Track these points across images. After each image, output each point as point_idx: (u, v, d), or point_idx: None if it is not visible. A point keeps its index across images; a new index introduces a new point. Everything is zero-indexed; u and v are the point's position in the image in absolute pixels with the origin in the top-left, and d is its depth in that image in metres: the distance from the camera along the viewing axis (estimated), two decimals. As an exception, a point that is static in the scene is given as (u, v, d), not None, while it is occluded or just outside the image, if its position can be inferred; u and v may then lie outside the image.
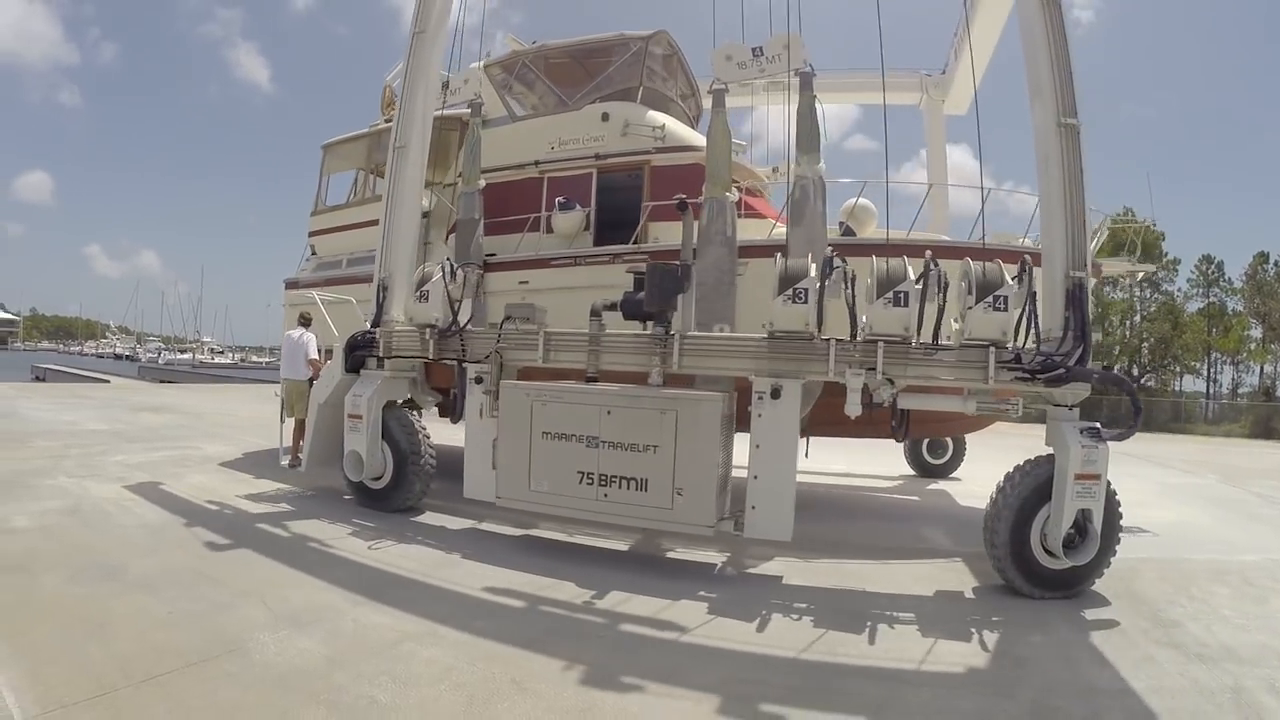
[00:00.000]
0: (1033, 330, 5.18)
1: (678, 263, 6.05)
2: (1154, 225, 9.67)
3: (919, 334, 5.14)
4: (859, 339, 5.26)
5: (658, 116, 8.61)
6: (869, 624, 4.63)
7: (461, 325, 7.01)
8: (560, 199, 8.65)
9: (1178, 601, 5.22)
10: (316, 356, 9.06)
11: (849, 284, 5.23)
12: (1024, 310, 5.13)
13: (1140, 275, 9.75)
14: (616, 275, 7.22)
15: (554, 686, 3.55)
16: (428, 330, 7.16)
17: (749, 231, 7.50)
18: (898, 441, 6.26)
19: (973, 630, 4.55)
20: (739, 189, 7.41)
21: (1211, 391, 33.90)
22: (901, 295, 4.99)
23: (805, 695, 3.62)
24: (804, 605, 4.97)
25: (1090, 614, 4.94)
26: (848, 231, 7.91)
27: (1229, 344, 32.78)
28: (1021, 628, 4.65)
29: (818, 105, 6.82)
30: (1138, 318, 32.87)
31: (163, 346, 74.05)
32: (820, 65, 8.26)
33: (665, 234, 7.85)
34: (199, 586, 4.67)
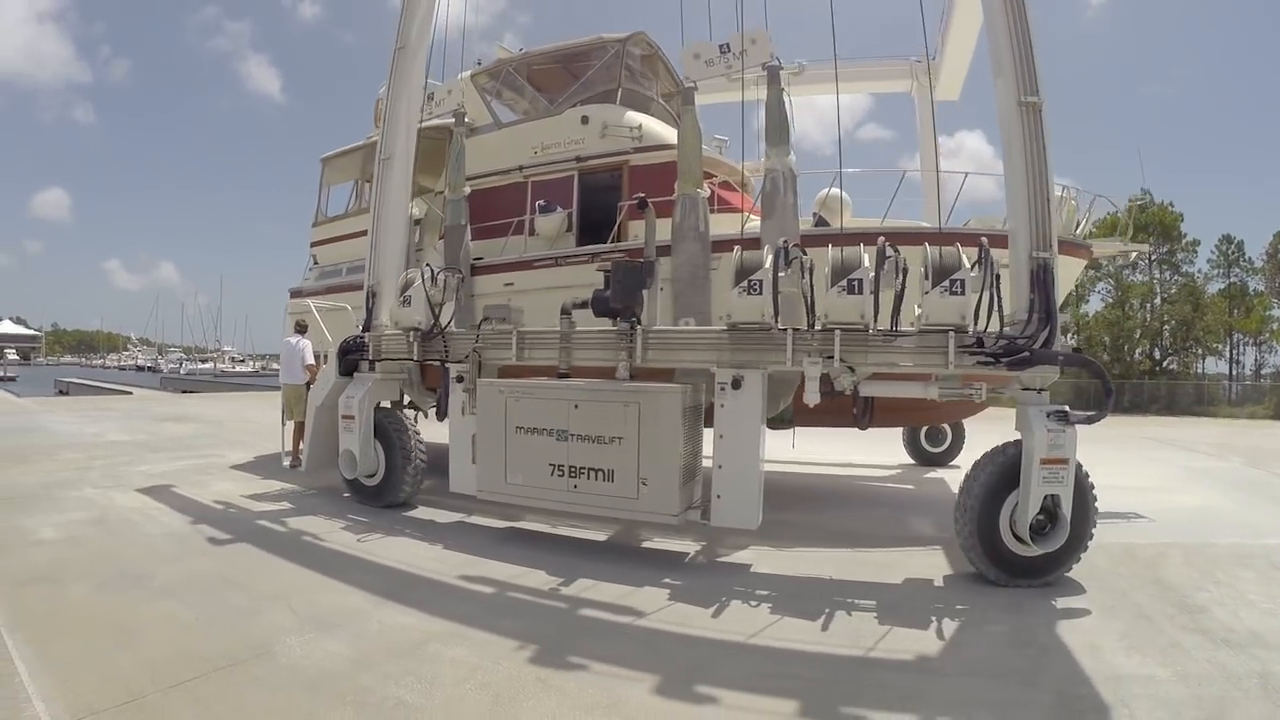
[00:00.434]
0: (997, 313, 5.11)
1: (640, 260, 6.15)
2: (1139, 202, 9.38)
3: (876, 320, 5.14)
4: (816, 328, 5.29)
5: (635, 117, 8.74)
6: (826, 611, 4.66)
7: (443, 327, 7.23)
8: (540, 202, 8.82)
9: (1204, 587, 5.14)
10: (313, 362, 9.38)
11: (806, 274, 5.26)
12: (988, 293, 5.06)
13: (1134, 256, 9.52)
14: (596, 274, 7.36)
15: (579, 683, 3.56)
16: (412, 333, 7.40)
17: (723, 226, 7.59)
18: (861, 429, 6.27)
19: (931, 618, 4.54)
20: (711, 185, 7.50)
21: (1234, 373, 33.05)
22: (855, 282, 4.99)
23: (748, 680, 3.68)
24: (765, 592, 5.03)
25: (1061, 603, 4.85)
26: (821, 222, 7.94)
27: (1251, 325, 31.87)
28: (984, 615, 4.64)
29: (786, 98, 6.87)
30: (1158, 300, 32.17)
31: (184, 357, 74.42)
32: (812, 56, 8.37)
33: (644, 232, 7.97)
34: (224, 592, 4.74)
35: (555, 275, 8.32)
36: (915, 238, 5.52)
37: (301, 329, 9.80)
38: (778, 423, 7.65)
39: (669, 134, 8.69)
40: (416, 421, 8.04)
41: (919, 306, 5.35)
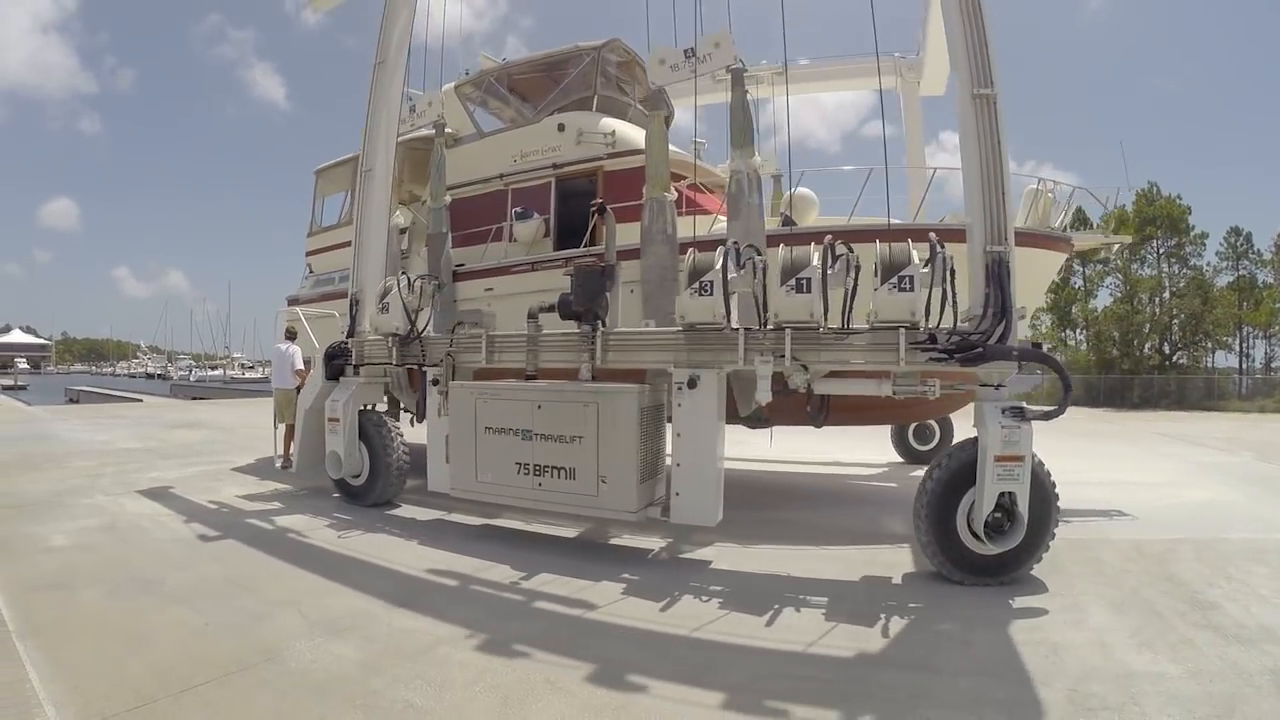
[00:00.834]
0: (952, 309, 5.02)
1: (601, 264, 6.28)
2: (1115, 204, 9.25)
3: (826, 319, 5.19)
4: (769, 327, 5.36)
5: (609, 123, 8.88)
6: (775, 607, 4.69)
7: (419, 332, 7.44)
8: (517, 209, 8.99)
9: (1215, 582, 5.11)
10: (302, 367, 9.66)
11: (759, 274, 5.35)
12: (942, 289, 5.00)
13: (1115, 248, 9.43)
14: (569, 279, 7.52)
15: (588, 686, 3.59)
16: (391, 338, 7.61)
17: (683, 228, 7.71)
18: (816, 427, 6.34)
19: (880, 615, 4.57)
20: (679, 188, 7.62)
21: (1244, 367, 32.56)
22: (804, 281, 5.05)
23: (683, 671, 3.78)
24: (719, 588, 5.11)
25: (1020, 601, 4.80)
26: (788, 221, 8.02)
27: (1260, 318, 31.40)
28: (935, 613, 4.65)
29: (749, 100, 6.97)
30: (1167, 294, 31.79)
31: (194, 364, 74.14)
32: (802, 54, 8.44)
33: (620, 235, 8.09)
34: (235, 597, 4.76)
35: (532, 280, 8.48)
36: (869, 235, 5.55)
37: (291, 335, 10.16)
38: (753, 421, 7.76)
39: (643, 139, 8.82)
40: (411, 424, 8.29)
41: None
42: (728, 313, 5.38)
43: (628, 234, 7.55)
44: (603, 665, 3.83)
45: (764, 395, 5.29)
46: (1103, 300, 33.82)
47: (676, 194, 7.39)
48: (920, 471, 10.29)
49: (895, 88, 12.72)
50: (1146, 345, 31.76)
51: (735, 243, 5.59)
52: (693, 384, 5.53)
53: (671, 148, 10.53)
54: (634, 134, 8.94)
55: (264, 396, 33.42)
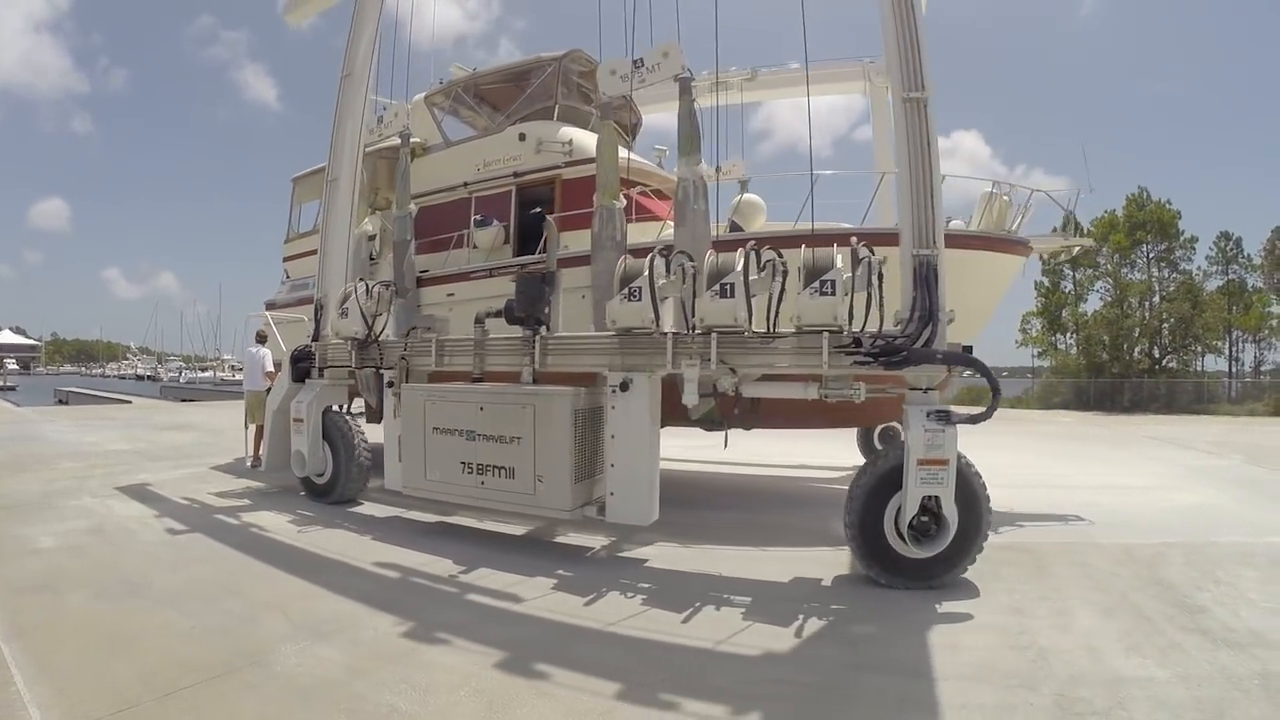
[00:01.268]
0: (888, 313, 5.09)
1: (543, 270, 6.45)
2: (1072, 211, 9.30)
3: (751, 323, 5.29)
4: (695, 331, 5.49)
5: (567, 132, 9.06)
6: (695, 605, 4.79)
7: (376, 336, 7.64)
8: (477, 216, 9.17)
9: (1204, 586, 5.08)
10: (271, 369, 9.89)
11: (688, 279, 5.49)
12: (867, 293, 5.07)
13: (1076, 250, 9.47)
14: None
15: (575, 690, 3.57)
16: (350, 342, 7.81)
17: (647, 234, 7.87)
18: (745, 429, 6.46)
19: (799, 616, 4.61)
20: (629, 194, 7.78)
21: (1234, 370, 32.61)
22: (728, 287, 5.17)
23: (585, 663, 3.90)
24: (647, 585, 5.22)
25: (945, 606, 4.76)
26: (735, 227, 8.18)
27: (1250, 322, 31.44)
28: (854, 614, 4.71)
29: (696, 109, 7.12)
30: (1157, 298, 31.87)
31: (184, 366, 72.65)
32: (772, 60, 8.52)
33: (575, 241, 8.28)
34: (221, 600, 4.75)
35: (490, 286, 8.66)
36: (794, 240, 5.68)
37: (262, 339, 10.39)
38: (707, 423, 7.91)
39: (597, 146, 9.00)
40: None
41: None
42: (657, 317, 5.52)
43: (586, 240, 7.71)
44: (512, 652, 3.98)
45: (690, 398, 5.43)
46: (1093, 304, 33.92)
47: (626, 201, 7.55)
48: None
49: (864, 92, 12.79)
50: (1136, 349, 31.82)
51: (664, 249, 5.73)
52: (625, 387, 5.68)
53: (633, 155, 10.72)
54: (591, 142, 9.10)
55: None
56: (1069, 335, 35.08)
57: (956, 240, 8.04)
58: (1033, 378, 38.20)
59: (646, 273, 5.42)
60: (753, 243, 5.35)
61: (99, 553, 5.78)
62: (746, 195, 8.48)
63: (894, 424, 11.16)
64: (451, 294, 9.03)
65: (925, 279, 5.11)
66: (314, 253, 11.75)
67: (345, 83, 8.63)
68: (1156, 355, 31.54)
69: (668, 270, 5.53)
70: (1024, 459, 12.50)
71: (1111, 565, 5.64)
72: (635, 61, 7.03)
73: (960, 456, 5.07)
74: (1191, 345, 31.30)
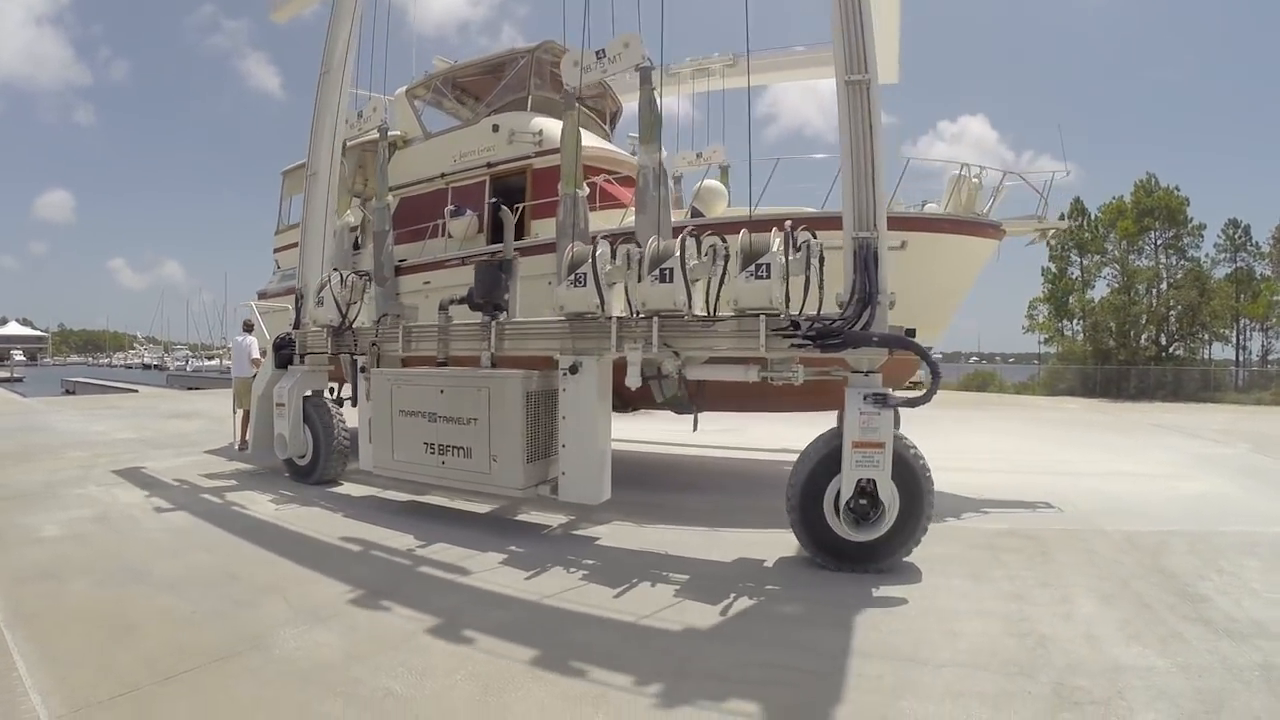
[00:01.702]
0: (829, 296, 5.11)
1: (500, 258, 6.63)
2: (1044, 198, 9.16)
3: (691, 307, 5.40)
4: (638, 316, 5.63)
5: (538, 123, 9.19)
6: (633, 581, 4.93)
7: (350, 323, 7.89)
8: (450, 206, 9.35)
9: (1207, 575, 5.02)
10: (258, 356, 10.21)
11: (632, 265, 5.63)
12: (806, 276, 5.09)
13: (1052, 232, 9.31)
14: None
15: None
16: (327, 329, 8.07)
17: (604, 222, 8.01)
18: (694, 413, 6.59)
19: (730, 594, 4.68)
20: (593, 181, 7.93)
21: (1241, 359, 32.10)
22: (667, 272, 5.30)
23: (509, 628, 4.13)
24: (592, 562, 5.41)
25: (881, 590, 4.75)
26: (695, 213, 8.28)
27: (1258, 310, 30.82)
28: (785, 594, 4.76)
29: (656, 98, 7.20)
30: (1164, 285, 31.48)
31: (190, 354, 71.54)
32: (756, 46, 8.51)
33: (546, 230, 8.43)
34: (222, 585, 4.78)
35: (463, 274, 8.81)
36: (734, 226, 5.75)
37: (249, 328, 10.69)
38: (673, 406, 8.07)
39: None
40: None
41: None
42: (602, 302, 5.66)
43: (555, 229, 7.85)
44: (446, 619, 4.23)
45: (634, 381, 5.58)
46: (1100, 291, 33.56)
47: (589, 189, 7.68)
48: None
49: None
50: (1143, 336, 31.45)
51: (612, 236, 5.87)
52: (574, 370, 5.85)
53: (607, 144, 10.84)
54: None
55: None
56: (1076, 321, 34.72)
57: (924, 224, 8.06)
58: (1039, 364, 37.95)
59: (590, 259, 5.55)
60: (688, 229, 5.42)
61: (102, 540, 5.83)
62: (707, 182, 8.59)
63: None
64: (428, 282, 9.25)
65: (865, 261, 5.10)
66: (301, 244, 12.15)
67: (323, 79, 8.85)
68: (1163, 342, 31.14)
69: (613, 256, 5.66)
70: (1028, 445, 12.49)
71: (1114, 553, 5.59)
72: (598, 52, 7.11)
73: (902, 439, 5.12)
74: (1199, 333, 30.88)
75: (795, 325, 5.19)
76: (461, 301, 6.83)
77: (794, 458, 8.82)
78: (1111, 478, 9.02)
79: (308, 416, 8.38)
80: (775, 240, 5.14)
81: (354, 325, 7.94)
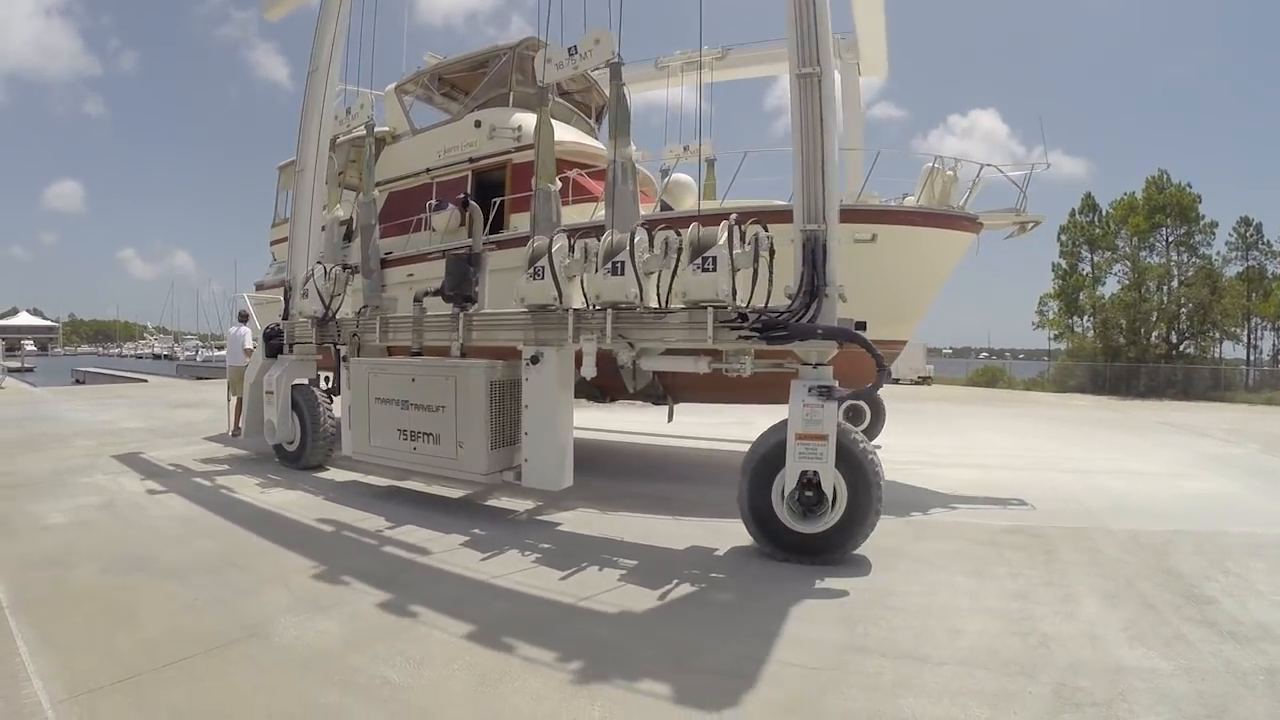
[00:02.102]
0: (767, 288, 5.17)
1: (469, 252, 6.83)
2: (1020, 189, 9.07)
3: (643, 299, 5.54)
4: (594, 308, 5.80)
5: (518, 118, 9.38)
6: (582, 565, 5.05)
7: (333, 314, 8.14)
8: (431, 201, 9.57)
9: (1213, 576, 4.95)
10: (251, 346, 10.53)
11: (589, 258, 5.78)
12: (754, 269, 5.18)
13: (1030, 226, 9.21)
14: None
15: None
16: (311, 320, 8.33)
17: (578, 215, 8.18)
18: (669, 404, 6.74)
19: (672, 580, 4.80)
20: (565, 176, 8.11)
21: (1252, 358, 31.55)
22: (619, 264, 5.46)
23: (446, 604, 4.33)
24: (548, 546, 5.57)
25: (824, 583, 4.75)
26: (665, 207, 8.41)
27: (1269, 309, 30.21)
28: (726, 583, 4.81)
29: (626, 93, 7.34)
30: (1175, 283, 31.10)
31: (200, 344, 71.46)
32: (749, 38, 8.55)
33: (524, 223, 8.60)
34: (225, 573, 4.82)
35: (444, 267, 9.06)
36: (684, 221, 5.86)
37: (243, 318, 11.06)
38: (647, 396, 8.25)
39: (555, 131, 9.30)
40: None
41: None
42: (559, 294, 5.83)
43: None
44: (397, 594, 4.47)
45: (589, 371, 5.75)
46: (1110, 288, 33.23)
47: (564, 182, 7.85)
48: None
49: (835, 69, 12.73)
50: (1154, 334, 31.09)
51: (570, 231, 6.02)
52: (535, 360, 6.04)
53: (585, 139, 10.96)
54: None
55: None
56: (1086, 318, 34.42)
57: (895, 216, 8.12)
58: (1049, 360, 37.64)
59: (548, 252, 5.72)
60: (640, 224, 5.57)
61: (107, 528, 5.89)
62: (675, 175, 8.73)
63: (859, 402, 11.37)
64: (412, 274, 9.49)
65: (813, 254, 5.13)
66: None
67: (311, 78, 9.12)
68: (1174, 340, 30.79)
69: (570, 250, 5.83)
70: (1036, 443, 12.43)
71: (1119, 552, 5.54)
72: (570, 49, 7.26)
73: (849, 433, 5.12)
74: (1210, 331, 30.44)
75: (743, 317, 5.26)
76: (435, 294, 7.05)
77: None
78: (1119, 476, 8.97)
79: (295, 404, 8.69)
80: (723, 234, 5.22)
81: (337, 316, 8.19)
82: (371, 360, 7.35)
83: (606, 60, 7.17)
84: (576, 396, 11.60)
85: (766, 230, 5.34)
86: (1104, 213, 33.99)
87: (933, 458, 10.29)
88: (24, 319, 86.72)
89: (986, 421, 16.04)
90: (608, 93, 7.38)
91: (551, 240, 5.81)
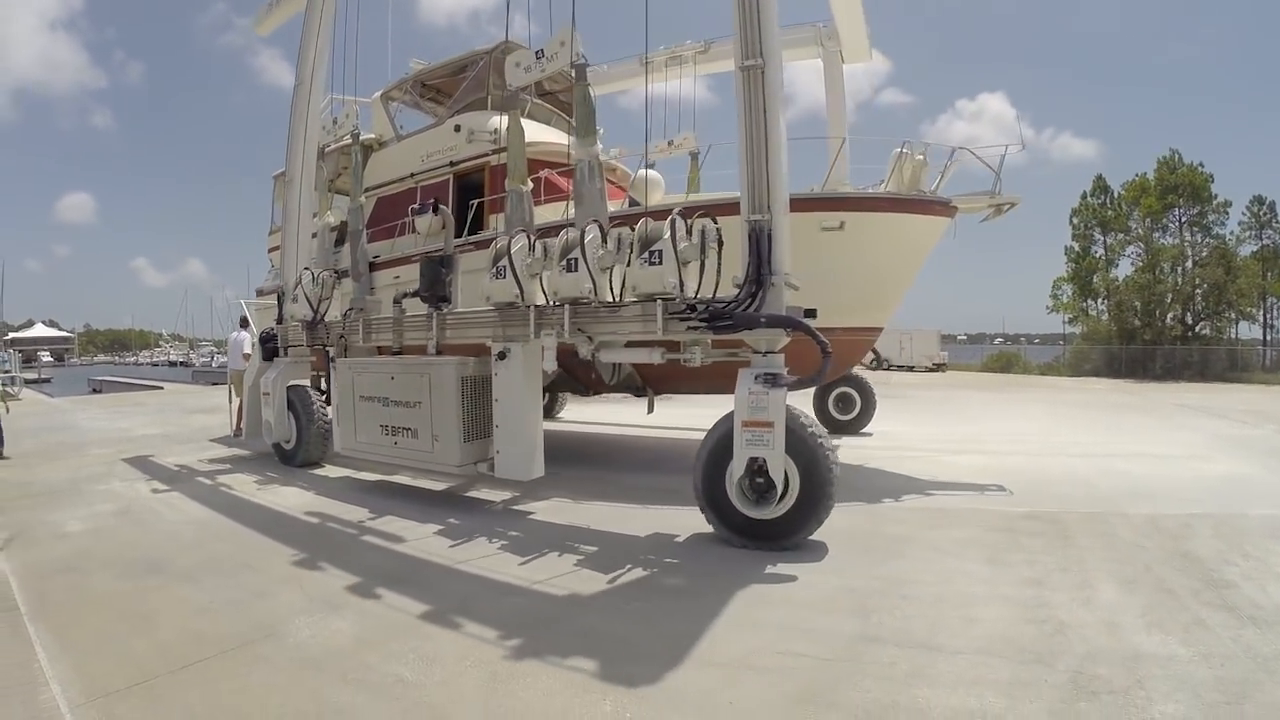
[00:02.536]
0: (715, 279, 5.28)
1: (440, 254, 7.09)
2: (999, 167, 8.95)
3: (597, 293, 5.69)
4: (553, 304, 6.01)
5: (495, 121, 9.59)
6: (541, 551, 5.24)
7: (321, 317, 8.46)
8: (413, 205, 9.84)
9: (1232, 560, 4.85)
10: (248, 351, 10.91)
11: (549, 256, 6.00)
12: (702, 261, 5.28)
13: (1007, 208, 9.06)
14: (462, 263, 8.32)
15: (571, 664, 3.57)
16: (302, 324, 8.67)
17: (552, 214, 8.40)
18: (649, 396, 6.91)
19: (626, 566, 4.88)
20: (536, 177, 8.34)
21: (1269, 338, 30.92)
22: (573, 261, 5.65)
23: (402, 583, 4.61)
24: (516, 534, 5.79)
25: (775, 568, 4.80)
26: (633, 203, 8.57)
27: None
28: (676, 569, 4.91)
29: (590, 93, 7.51)
30: (1189, 264, 30.63)
31: (215, 350, 70.78)
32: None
33: (503, 224, 8.84)
34: (240, 575, 4.87)
35: None
36: (630, 218, 5.99)
37: (244, 323, 11.48)
38: (627, 389, 8.45)
39: (529, 132, 9.49)
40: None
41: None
42: (521, 292, 6.04)
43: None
44: (365, 577, 4.72)
45: (549, 364, 5.96)
46: (1124, 270, 32.83)
47: (536, 182, 8.07)
48: (837, 441, 10.86)
49: (819, 57, 12.72)
50: (1169, 315, 30.68)
51: (526, 230, 6.24)
52: (502, 356, 6.29)
53: (560, 137, 11.12)
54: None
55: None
56: (1100, 301, 34.05)
57: (862, 203, 8.18)
58: (1064, 345, 37.29)
59: (508, 252, 5.95)
60: (593, 220, 5.75)
61: (124, 534, 5.97)
62: (642, 172, 8.88)
63: (848, 388, 11.48)
64: (398, 277, 9.79)
65: (756, 243, 5.18)
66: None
67: (297, 91, 9.49)
68: (1189, 322, 30.37)
69: (531, 249, 6.04)
70: (1053, 426, 12.36)
71: (1137, 536, 5.47)
72: (537, 53, 7.45)
73: (801, 418, 5.19)
74: (1225, 312, 29.98)
75: (692, 309, 5.37)
76: (414, 295, 7.32)
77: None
78: (1135, 459, 8.88)
79: (291, 404, 9.05)
80: (668, 228, 5.29)
81: (325, 319, 8.51)
82: (355, 360, 7.68)
83: (571, 61, 7.37)
84: (561, 391, 11.92)
85: (716, 222, 5.43)
86: (1116, 194, 33.55)
87: (945, 445, 10.21)
88: (40, 330, 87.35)
89: (1001, 408, 15.96)
90: (615, 89, 7.60)
91: (511, 240, 6.02)
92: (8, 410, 9.55)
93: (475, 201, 9.32)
